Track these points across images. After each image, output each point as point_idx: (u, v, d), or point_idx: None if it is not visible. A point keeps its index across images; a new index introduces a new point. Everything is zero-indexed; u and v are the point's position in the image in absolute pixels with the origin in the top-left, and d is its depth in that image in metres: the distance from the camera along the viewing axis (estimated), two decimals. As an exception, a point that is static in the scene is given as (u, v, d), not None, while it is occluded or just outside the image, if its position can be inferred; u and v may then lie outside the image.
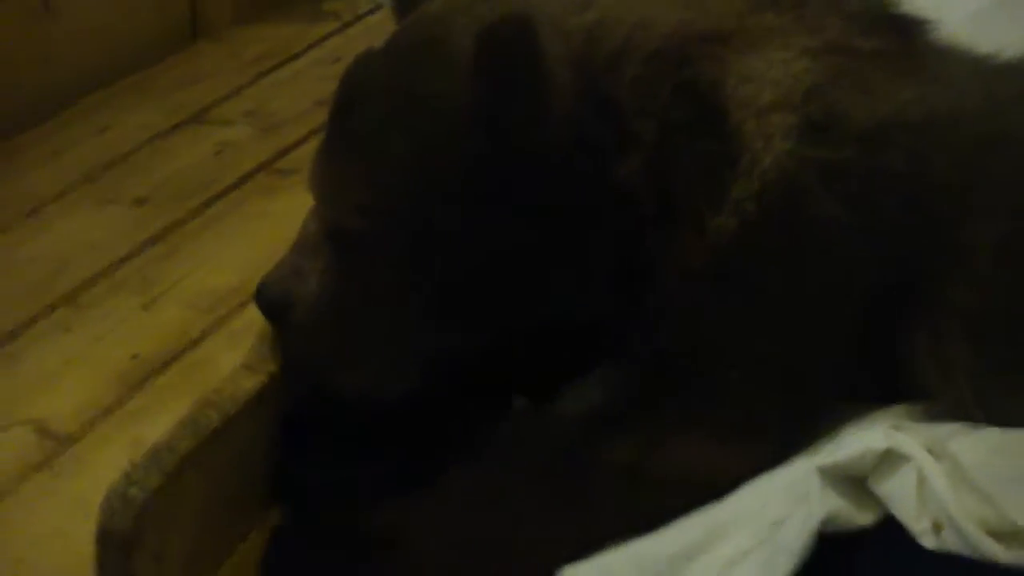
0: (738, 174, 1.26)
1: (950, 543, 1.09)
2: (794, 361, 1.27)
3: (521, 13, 1.24)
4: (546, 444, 1.29)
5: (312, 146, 2.04)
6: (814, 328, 1.27)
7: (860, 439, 1.16)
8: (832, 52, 1.32)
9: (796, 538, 1.11)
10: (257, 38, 2.44)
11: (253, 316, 1.67)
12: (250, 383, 1.35)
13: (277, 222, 1.88)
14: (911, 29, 1.38)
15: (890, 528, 1.12)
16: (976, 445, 1.20)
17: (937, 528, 1.09)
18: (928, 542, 1.10)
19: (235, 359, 1.42)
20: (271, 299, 1.39)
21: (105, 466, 1.36)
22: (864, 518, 1.13)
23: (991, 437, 1.22)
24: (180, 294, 1.74)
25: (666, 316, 1.28)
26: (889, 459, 1.14)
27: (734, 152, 1.27)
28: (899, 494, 1.12)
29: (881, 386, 1.30)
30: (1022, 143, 1.30)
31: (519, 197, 1.28)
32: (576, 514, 1.24)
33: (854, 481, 1.15)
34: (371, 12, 2.54)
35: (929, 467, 1.12)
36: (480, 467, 1.29)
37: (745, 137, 1.27)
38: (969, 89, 1.34)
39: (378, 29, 2.41)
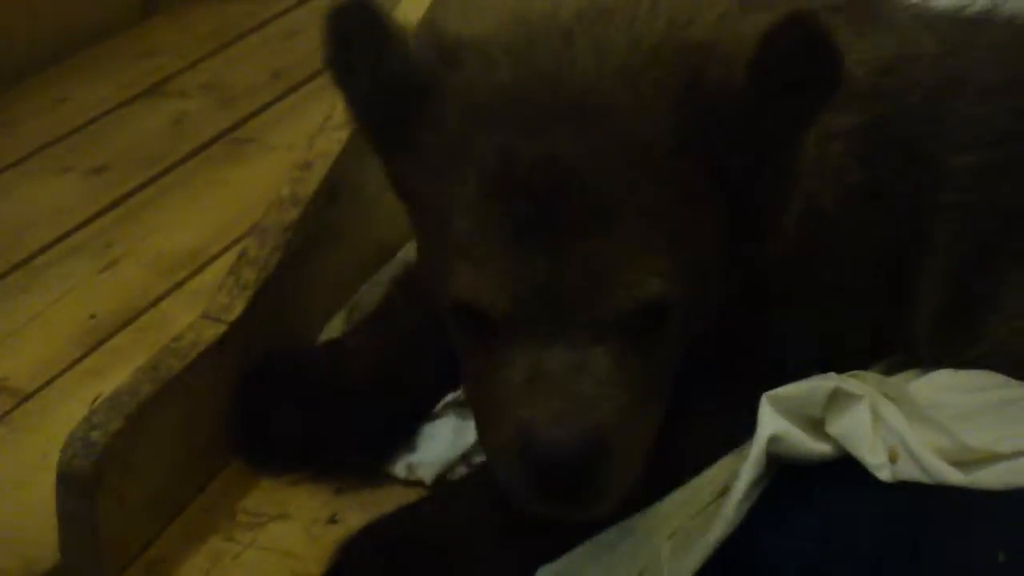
0: None
1: (906, 472, 1.10)
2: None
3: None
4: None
5: (270, 116, 2.10)
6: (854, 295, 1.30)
7: (809, 381, 1.17)
8: None
9: (746, 460, 1.12)
10: (210, 15, 2.43)
11: (210, 278, 1.69)
12: (211, 332, 1.35)
13: (236, 189, 1.90)
14: None
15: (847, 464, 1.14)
16: (930, 385, 1.24)
17: (893, 458, 1.11)
18: (884, 475, 1.11)
19: (192, 319, 1.41)
20: (580, 448, 1.07)
21: (64, 421, 1.36)
22: (821, 448, 1.14)
23: (943, 378, 1.26)
24: (137, 257, 1.75)
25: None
26: (840, 398, 1.14)
27: None
28: (853, 430, 1.13)
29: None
30: (977, 84, 1.33)
31: None
32: None
33: (809, 419, 1.16)
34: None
35: (882, 404, 1.14)
36: None
37: None
38: (918, 34, 1.36)
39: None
